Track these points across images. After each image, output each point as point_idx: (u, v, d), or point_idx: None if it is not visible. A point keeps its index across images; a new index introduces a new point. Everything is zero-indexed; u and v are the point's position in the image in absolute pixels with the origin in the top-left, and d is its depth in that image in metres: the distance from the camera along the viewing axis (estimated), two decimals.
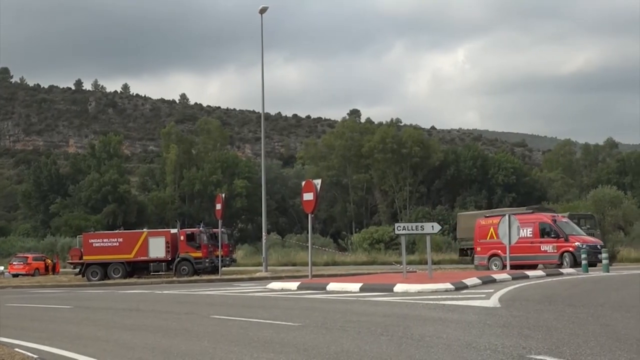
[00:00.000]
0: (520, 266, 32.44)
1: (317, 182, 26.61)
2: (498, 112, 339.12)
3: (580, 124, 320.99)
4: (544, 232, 33.13)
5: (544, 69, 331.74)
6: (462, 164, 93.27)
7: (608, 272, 27.01)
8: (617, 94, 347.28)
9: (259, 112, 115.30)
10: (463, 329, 10.69)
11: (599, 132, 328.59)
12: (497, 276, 22.62)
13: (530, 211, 38.35)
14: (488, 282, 21.12)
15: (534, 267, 32.01)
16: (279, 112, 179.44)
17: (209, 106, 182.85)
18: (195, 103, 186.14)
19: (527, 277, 23.81)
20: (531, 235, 33.29)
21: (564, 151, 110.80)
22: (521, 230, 33.06)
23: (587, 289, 18.54)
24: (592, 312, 12.39)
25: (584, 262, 28.30)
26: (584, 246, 31.15)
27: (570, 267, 31.02)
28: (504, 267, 33.19)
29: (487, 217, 35.99)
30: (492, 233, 33.48)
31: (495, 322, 11.42)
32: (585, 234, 34.49)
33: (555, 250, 32.64)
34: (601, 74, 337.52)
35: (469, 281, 20.16)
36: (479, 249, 34.63)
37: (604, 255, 28.42)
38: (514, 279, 22.61)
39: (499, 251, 33.38)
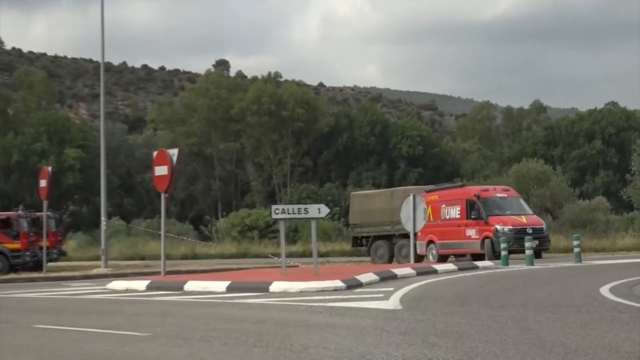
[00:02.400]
0: (449, 256, 33.34)
1: (173, 152, 26.36)
2: (403, 66, 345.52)
3: (502, 82, 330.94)
4: (470, 211, 33.68)
5: (460, 13, 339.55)
6: (357, 130, 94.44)
7: (532, 265, 27.90)
8: (547, 46, 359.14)
9: (97, 62, 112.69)
10: (356, 337, 10.86)
11: (524, 93, 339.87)
12: (398, 271, 23.07)
13: (460, 184, 39.18)
14: (387, 278, 21.52)
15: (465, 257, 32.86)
16: (124, 62, 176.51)
17: (31, 52, 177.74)
18: (13, 48, 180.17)
19: (435, 271, 24.40)
20: (459, 216, 33.91)
21: (481, 116, 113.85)
22: (450, 210, 33.66)
23: (507, 286, 19.16)
24: (511, 314, 12.82)
25: (503, 252, 28.78)
26: (505, 230, 31.86)
27: (489, 257, 31.77)
28: (440, 257, 33.95)
29: (428, 192, 36.54)
30: (429, 213, 34.08)
31: (395, 327, 11.66)
32: (529, 213, 34.81)
33: (478, 236, 33.23)
34: (529, 21, 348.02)
35: (364, 277, 20.49)
36: (419, 233, 35.14)
37: (527, 244, 28.66)
38: (419, 274, 23.11)
39: (434, 237, 34.02)
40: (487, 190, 35.54)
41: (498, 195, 34.88)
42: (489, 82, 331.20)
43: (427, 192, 36.64)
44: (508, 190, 36.65)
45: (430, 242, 34.79)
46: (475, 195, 33.89)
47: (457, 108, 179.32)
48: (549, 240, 35.41)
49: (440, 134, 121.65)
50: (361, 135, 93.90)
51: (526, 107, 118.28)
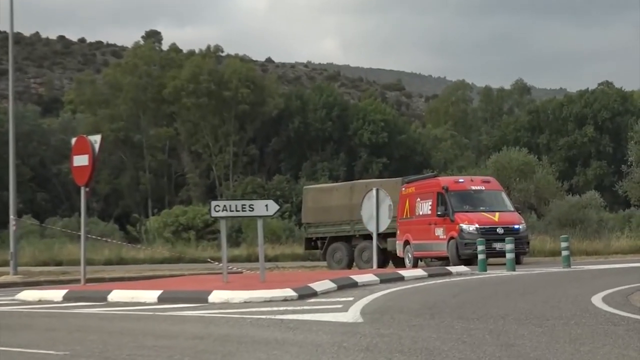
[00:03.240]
0: (419, 259, 33.34)
1: (95, 139, 26.22)
2: (365, 40, 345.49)
3: (479, 59, 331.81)
4: (438, 206, 33.62)
5: None
6: (310, 114, 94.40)
7: (514, 270, 28.06)
8: (531, 18, 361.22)
9: (5, 32, 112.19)
10: (309, 354, 10.88)
11: (504, 72, 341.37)
12: (358, 278, 23.08)
13: (433, 174, 39.28)
14: (346, 286, 21.54)
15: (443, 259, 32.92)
16: (37, 33, 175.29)
17: None
18: None
19: (401, 278, 24.45)
20: (430, 212, 33.90)
21: (455, 98, 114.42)
22: (423, 205, 33.80)
23: (484, 294, 19.28)
24: (490, 328, 12.90)
25: (480, 256, 28.59)
26: (471, 230, 31.84)
27: (453, 261, 31.72)
28: (415, 260, 33.97)
29: (407, 183, 36.58)
30: (407, 208, 33.95)
31: (355, 343, 11.68)
32: (508, 210, 34.44)
33: (445, 236, 33.18)
34: None
35: (319, 285, 20.50)
36: (398, 232, 35.05)
37: (508, 246, 28.53)
38: (383, 281, 23.16)
39: (410, 236, 33.97)
40: (459, 182, 35.31)
41: (473, 187, 34.55)
42: (465, 59, 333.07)
43: (406, 182, 36.74)
44: (488, 182, 36.30)
45: (407, 242, 34.67)
46: (443, 188, 33.78)
47: (428, 88, 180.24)
48: (528, 243, 35.07)
49: (408, 119, 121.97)
50: (316, 120, 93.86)
51: (507, 87, 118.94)
